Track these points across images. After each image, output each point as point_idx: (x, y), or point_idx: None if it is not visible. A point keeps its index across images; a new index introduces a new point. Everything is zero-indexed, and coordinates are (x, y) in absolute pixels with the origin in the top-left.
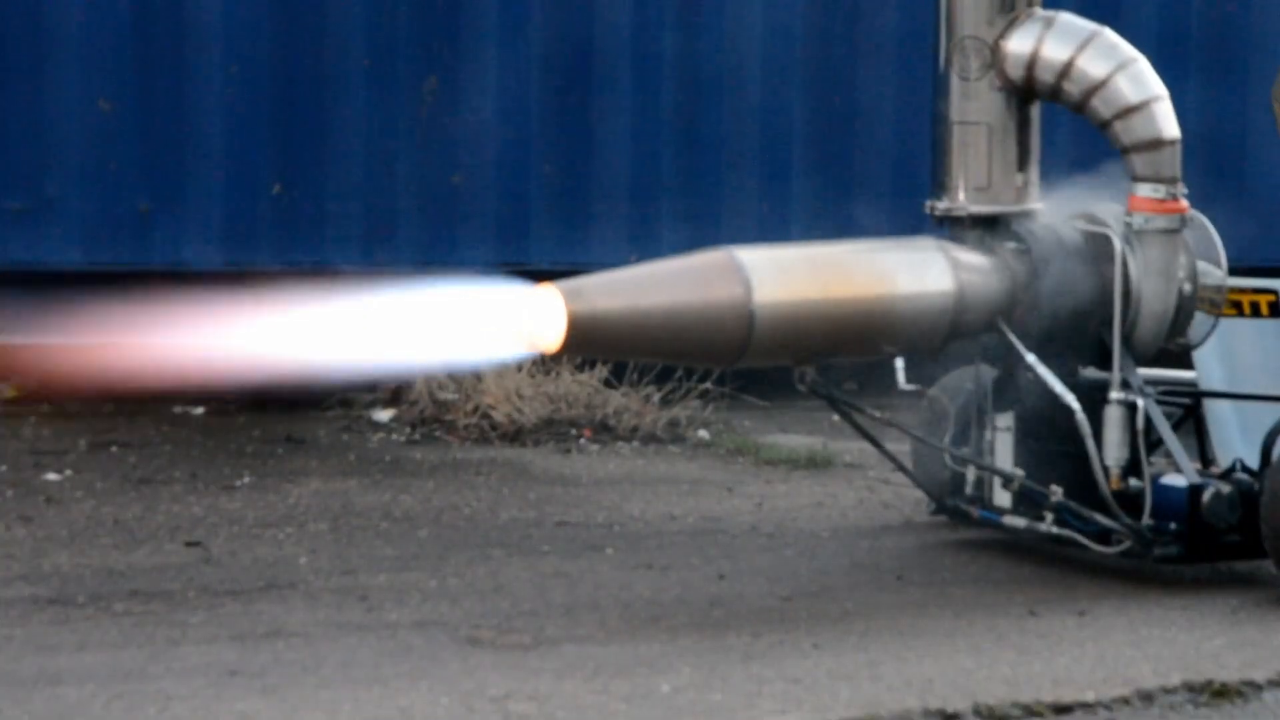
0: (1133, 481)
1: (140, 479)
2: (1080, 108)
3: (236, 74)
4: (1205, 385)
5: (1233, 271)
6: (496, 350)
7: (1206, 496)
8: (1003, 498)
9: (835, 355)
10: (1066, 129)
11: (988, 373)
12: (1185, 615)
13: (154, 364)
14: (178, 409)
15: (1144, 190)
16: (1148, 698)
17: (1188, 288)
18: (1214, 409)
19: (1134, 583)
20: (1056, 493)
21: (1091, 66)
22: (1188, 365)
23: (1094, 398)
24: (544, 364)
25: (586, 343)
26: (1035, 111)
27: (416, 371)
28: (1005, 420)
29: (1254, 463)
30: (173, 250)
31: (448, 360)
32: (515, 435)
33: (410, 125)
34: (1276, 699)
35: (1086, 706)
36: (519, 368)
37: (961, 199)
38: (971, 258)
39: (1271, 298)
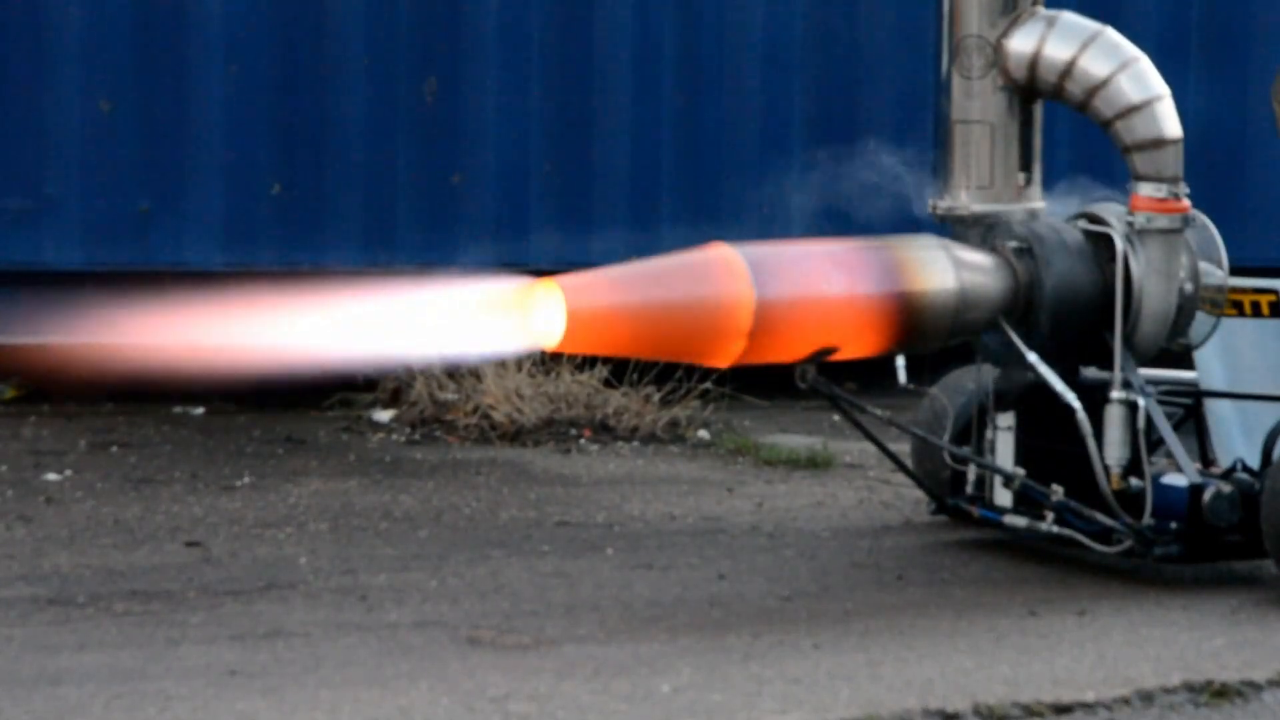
0: (1133, 481)
1: (140, 479)
2: (1082, 107)
3: (236, 74)
4: (1206, 385)
5: (1233, 271)
6: (497, 345)
7: (1207, 496)
8: (1003, 497)
9: (836, 353)
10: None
11: (989, 372)
12: (1185, 615)
13: (154, 364)
14: (178, 409)
15: (1146, 190)
16: (1148, 698)
17: (1189, 287)
18: (1215, 409)
19: (1134, 583)
20: (1057, 492)
21: (1093, 66)
22: (1189, 365)
23: (1095, 397)
24: (544, 364)
25: (587, 339)
26: (1037, 111)
27: (418, 365)
28: (1006, 419)
29: (1255, 462)
30: (173, 250)
31: (449, 355)
32: (515, 435)
33: (410, 125)
34: (1276, 699)
35: (1086, 706)
36: (519, 367)
37: (964, 198)
38: (973, 256)
39: (1272, 298)
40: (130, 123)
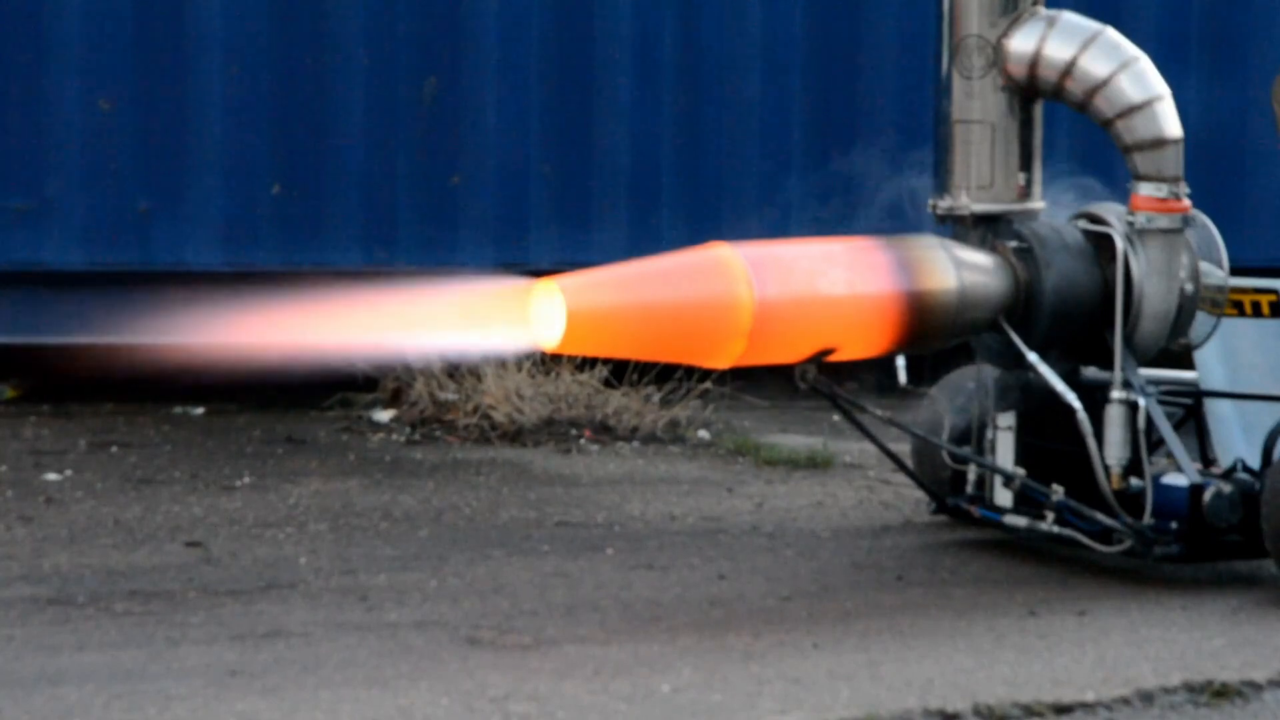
0: (1134, 481)
1: (140, 479)
2: (1083, 107)
3: (236, 74)
4: (1206, 385)
5: (1233, 271)
6: (497, 345)
7: (1207, 496)
8: (1004, 497)
9: (836, 354)
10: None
11: (989, 372)
12: (1185, 615)
13: (154, 364)
14: (178, 409)
15: (1146, 189)
16: (1148, 698)
17: (1190, 287)
18: (1215, 409)
19: (1134, 583)
20: (1057, 492)
21: (1094, 65)
22: (1189, 365)
23: (1095, 397)
24: (544, 364)
25: (587, 339)
26: (1038, 110)
27: (418, 365)
28: (1006, 419)
29: (1255, 462)
30: (173, 250)
31: (449, 354)
32: (515, 435)
33: (410, 125)
34: (1276, 699)
35: (1086, 706)
36: (519, 367)
37: (964, 198)
38: (974, 256)
39: (1272, 297)
40: (130, 123)
